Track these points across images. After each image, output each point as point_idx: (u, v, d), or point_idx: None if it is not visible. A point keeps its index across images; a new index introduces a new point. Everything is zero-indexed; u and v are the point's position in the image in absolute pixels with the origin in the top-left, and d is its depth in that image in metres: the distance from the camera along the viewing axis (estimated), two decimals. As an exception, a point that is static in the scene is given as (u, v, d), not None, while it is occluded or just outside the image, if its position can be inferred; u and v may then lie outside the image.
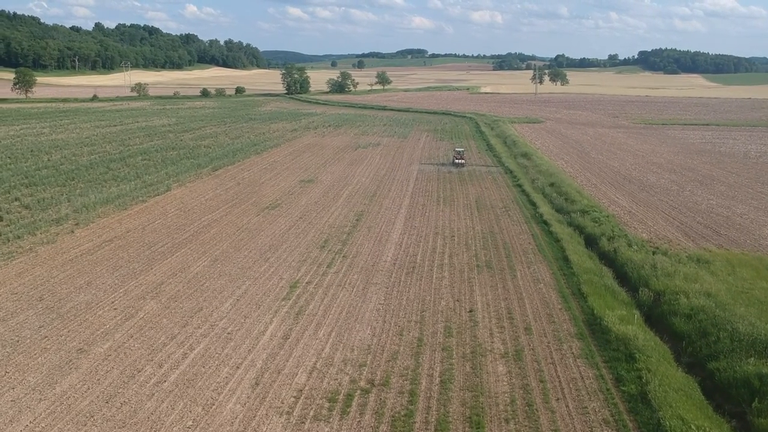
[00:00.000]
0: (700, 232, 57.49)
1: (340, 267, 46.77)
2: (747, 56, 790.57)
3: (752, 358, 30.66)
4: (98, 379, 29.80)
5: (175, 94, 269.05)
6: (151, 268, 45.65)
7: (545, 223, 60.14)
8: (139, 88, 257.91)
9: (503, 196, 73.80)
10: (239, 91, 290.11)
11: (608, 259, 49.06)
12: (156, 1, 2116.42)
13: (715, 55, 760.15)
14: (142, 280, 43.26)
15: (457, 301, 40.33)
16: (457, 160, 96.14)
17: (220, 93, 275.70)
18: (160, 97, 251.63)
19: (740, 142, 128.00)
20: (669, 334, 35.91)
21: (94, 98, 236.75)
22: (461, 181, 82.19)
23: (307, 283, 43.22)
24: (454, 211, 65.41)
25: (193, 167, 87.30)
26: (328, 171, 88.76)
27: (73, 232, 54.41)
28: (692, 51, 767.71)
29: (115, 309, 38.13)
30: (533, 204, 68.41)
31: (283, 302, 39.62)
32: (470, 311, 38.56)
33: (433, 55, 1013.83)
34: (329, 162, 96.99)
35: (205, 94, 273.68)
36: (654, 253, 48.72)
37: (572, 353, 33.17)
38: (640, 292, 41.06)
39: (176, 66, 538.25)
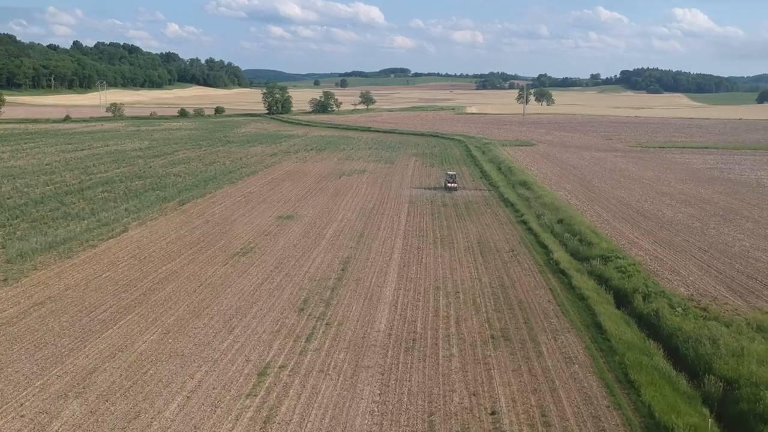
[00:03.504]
0: (746, 285, 49.03)
1: (322, 341, 37.63)
2: (726, 75, 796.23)
3: None
4: None
5: (151, 114, 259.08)
6: (85, 346, 36.21)
7: (563, 273, 51.36)
8: (115, 108, 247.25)
9: (508, 235, 65.08)
10: (219, 111, 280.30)
11: (649, 326, 40.28)
12: (137, 20, 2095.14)
13: (697, 74, 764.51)
14: (70, 365, 33.80)
15: (474, 395, 31.31)
16: (449, 184, 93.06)
17: (199, 113, 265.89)
18: (136, 118, 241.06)
19: (747, 167, 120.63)
20: (758, 449, 27.23)
21: (66, 119, 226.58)
22: (459, 217, 73.42)
23: (280, 367, 34.01)
24: (454, 256, 56.58)
25: (158, 201, 77.86)
26: (310, 204, 79.74)
27: (-2, 291, 44.87)
28: (674, 70, 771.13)
29: (22, 416, 28.67)
30: (544, 246, 59.73)
31: (248, 401, 30.38)
32: (492, 413, 29.56)
33: (416, 74, 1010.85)
34: (311, 193, 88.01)
35: (183, 114, 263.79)
36: (705, 318, 40.10)
37: (640, 488, 24.31)
38: (705, 380, 32.24)
39: (156, 85, 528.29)
